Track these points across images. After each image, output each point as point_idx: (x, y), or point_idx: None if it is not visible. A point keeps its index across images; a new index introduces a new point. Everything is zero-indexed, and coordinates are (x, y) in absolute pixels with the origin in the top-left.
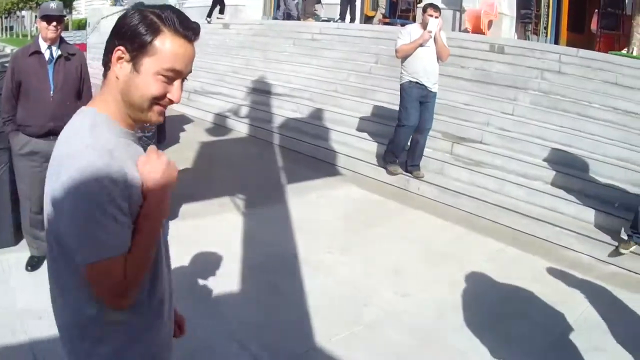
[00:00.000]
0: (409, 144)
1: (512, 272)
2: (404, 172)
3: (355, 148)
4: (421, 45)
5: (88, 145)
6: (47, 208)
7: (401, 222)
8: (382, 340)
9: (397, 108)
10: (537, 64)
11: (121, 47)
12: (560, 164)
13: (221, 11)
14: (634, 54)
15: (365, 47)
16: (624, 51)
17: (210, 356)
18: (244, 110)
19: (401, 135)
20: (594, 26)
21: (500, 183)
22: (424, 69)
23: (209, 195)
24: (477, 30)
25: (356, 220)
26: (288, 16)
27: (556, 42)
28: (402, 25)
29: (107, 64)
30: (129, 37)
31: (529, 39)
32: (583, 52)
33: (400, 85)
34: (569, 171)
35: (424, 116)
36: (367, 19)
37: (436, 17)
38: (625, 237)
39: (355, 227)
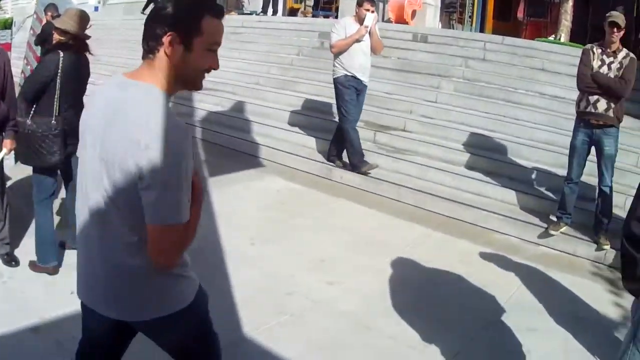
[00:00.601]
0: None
1: (439, 257)
2: (341, 162)
3: (278, 139)
4: (357, 40)
5: (176, 125)
6: (116, 174)
7: (326, 211)
8: (309, 328)
9: (319, 99)
10: (461, 52)
11: (172, 33)
12: (485, 149)
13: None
14: (562, 40)
15: (287, 40)
16: (551, 37)
17: (140, 351)
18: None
19: (352, 133)
20: (520, 14)
21: (423, 169)
22: (359, 63)
23: None
24: (401, 20)
25: (281, 210)
26: None
27: (482, 30)
28: (325, 17)
29: (153, 48)
30: (179, 23)
31: (453, 28)
32: (509, 40)
33: (335, 79)
34: (494, 156)
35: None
36: (292, 12)
37: (372, 12)
38: (555, 219)
39: (280, 218)
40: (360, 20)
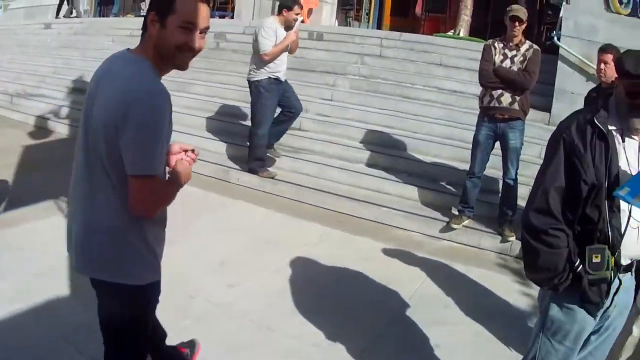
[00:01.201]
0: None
1: (341, 255)
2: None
3: (173, 142)
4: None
5: (159, 88)
6: (99, 132)
7: (224, 213)
8: (212, 332)
9: (214, 101)
10: (358, 50)
11: (152, 12)
12: (383, 146)
13: (70, 11)
14: (461, 34)
15: None
16: (450, 32)
17: None
18: (65, 111)
19: (262, 140)
20: (418, 9)
21: (321, 168)
22: (283, 64)
23: (34, 199)
24: (304, 20)
25: (178, 214)
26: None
27: (379, 27)
28: (221, 17)
29: (145, 26)
30: (157, 3)
31: (350, 26)
32: (406, 36)
33: (257, 82)
34: (393, 152)
35: (293, 101)
36: None
37: (301, 16)
38: (457, 212)
39: (177, 222)
40: (289, 23)
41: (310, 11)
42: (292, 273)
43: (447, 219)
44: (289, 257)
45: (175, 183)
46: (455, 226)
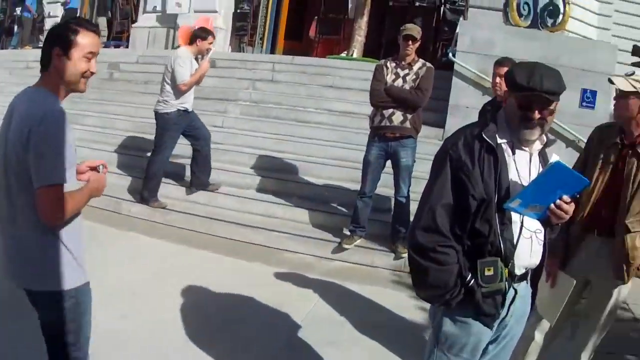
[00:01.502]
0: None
1: (233, 282)
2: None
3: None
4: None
5: (55, 110)
6: (13, 154)
7: (117, 246)
8: None
9: (107, 132)
10: (249, 75)
11: (56, 47)
12: (273, 170)
13: None
14: (354, 55)
15: None
16: (344, 54)
17: None
18: None
19: (160, 167)
20: (312, 32)
21: (211, 195)
22: (191, 94)
23: None
24: None
25: None
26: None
27: (273, 51)
28: (116, 47)
29: (46, 63)
30: (60, 41)
31: (243, 51)
32: (298, 59)
33: (165, 114)
34: (284, 176)
35: (202, 130)
36: None
37: (213, 46)
38: (348, 233)
39: None
40: (201, 53)
41: None
42: (185, 302)
43: (339, 240)
44: (182, 287)
45: (84, 190)
46: (347, 246)
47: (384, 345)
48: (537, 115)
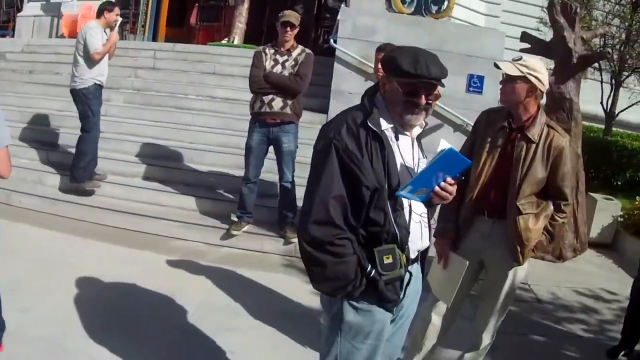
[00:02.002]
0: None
1: (125, 271)
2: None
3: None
4: None
5: None
6: None
7: (8, 237)
8: (6, 358)
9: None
10: (131, 63)
11: None
12: (158, 158)
13: None
14: (235, 42)
15: None
16: (224, 41)
17: None
18: None
19: (93, 146)
20: (193, 20)
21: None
22: (105, 69)
23: None
24: (74, 35)
25: None
26: None
27: (155, 38)
28: (2, 36)
29: None
30: None
31: (125, 39)
32: (180, 46)
33: (84, 90)
34: (168, 164)
35: None
36: None
37: (120, 17)
38: (236, 219)
39: None
40: (110, 25)
41: None
42: (80, 293)
43: (227, 226)
44: (75, 278)
45: None
46: (235, 232)
47: (281, 330)
48: (424, 100)
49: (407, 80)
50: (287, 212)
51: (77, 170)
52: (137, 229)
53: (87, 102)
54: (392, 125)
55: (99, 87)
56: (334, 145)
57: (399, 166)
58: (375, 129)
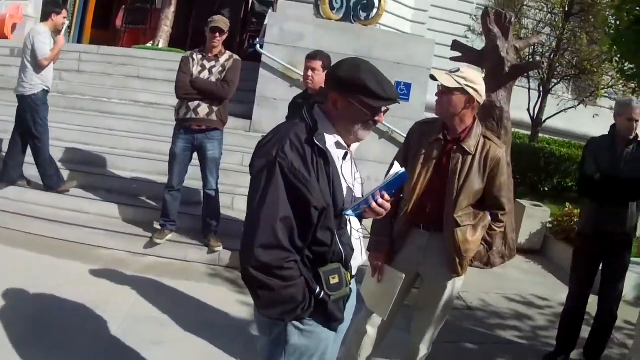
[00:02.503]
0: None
1: (48, 281)
2: None
3: None
4: None
5: None
6: None
7: None
8: None
9: None
10: (56, 65)
11: None
12: (80, 164)
13: None
14: (160, 46)
15: None
16: (150, 44)
17: None
18: None
19: (47, 151)
20: (118, 22)
21: (20, 191)
22: (51, 73)
23: None
24: (1, 34)
25: None
26: None
27: (80, 40)
28: None
29: None
30: None
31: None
32: (104, 49)
33: (33, 96)
34: (90, 169)
35: None
36: None
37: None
38: (159, 227)
39: None
40: (57, 28)
41: (14, 27)
42: (2, 305)
43: (150, 235)
44: None
45: None
46: (158, 241)
47: (209, 341)
48: (382, 118)
49: (374, 101)
50: (211, 220)
51: (49, 179)
52: (60, 237)
53: (36, 108)
54: (336, 141)
55: (46, 93)
56: (278, 163)
57: (343, 183)
58: (321, 145)
